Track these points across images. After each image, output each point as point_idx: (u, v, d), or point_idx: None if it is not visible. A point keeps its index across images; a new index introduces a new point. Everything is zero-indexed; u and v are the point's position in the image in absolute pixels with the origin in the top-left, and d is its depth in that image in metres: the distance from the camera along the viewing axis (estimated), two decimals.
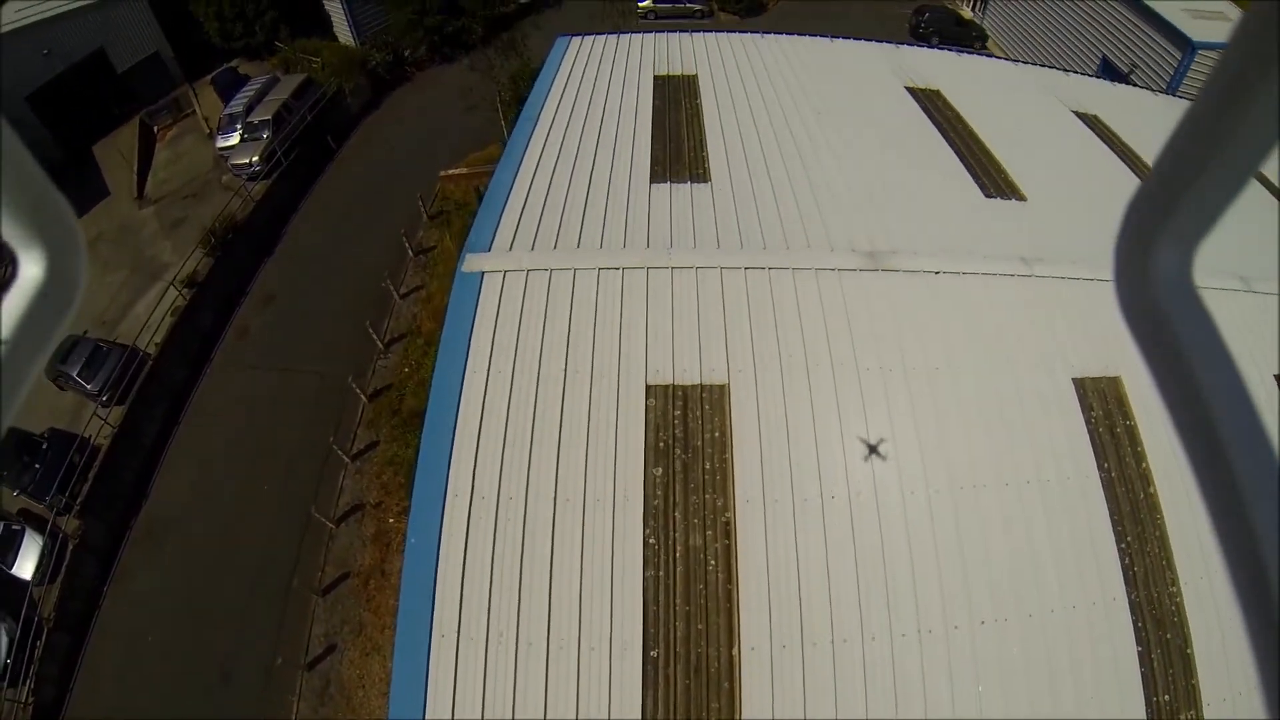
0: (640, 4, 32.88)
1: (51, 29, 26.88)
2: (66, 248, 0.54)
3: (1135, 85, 23.47)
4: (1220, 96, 0.42)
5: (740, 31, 17.87)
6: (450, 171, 23.00)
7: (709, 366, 8.42)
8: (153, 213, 25.82)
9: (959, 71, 16.59)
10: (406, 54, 30.81)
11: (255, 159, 24.15)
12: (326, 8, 32.05)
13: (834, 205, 10.75)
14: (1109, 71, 24.88)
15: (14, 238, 0.51)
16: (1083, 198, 12.09)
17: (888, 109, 14.22)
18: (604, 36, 17.55)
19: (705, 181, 11.30)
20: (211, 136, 27.46)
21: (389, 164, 25.54)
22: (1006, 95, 15.80)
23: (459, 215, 21.96)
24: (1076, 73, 20.46)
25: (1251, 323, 10.28)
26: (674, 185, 11.17)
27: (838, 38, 17.85)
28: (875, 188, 11.34)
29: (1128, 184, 13.00)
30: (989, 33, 31.60)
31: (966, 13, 33.40)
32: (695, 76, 14.88)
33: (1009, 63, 18.25)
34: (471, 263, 9.78)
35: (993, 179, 12.27)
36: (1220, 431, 0.45)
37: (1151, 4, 22.94)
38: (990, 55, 30.42)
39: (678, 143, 12.38)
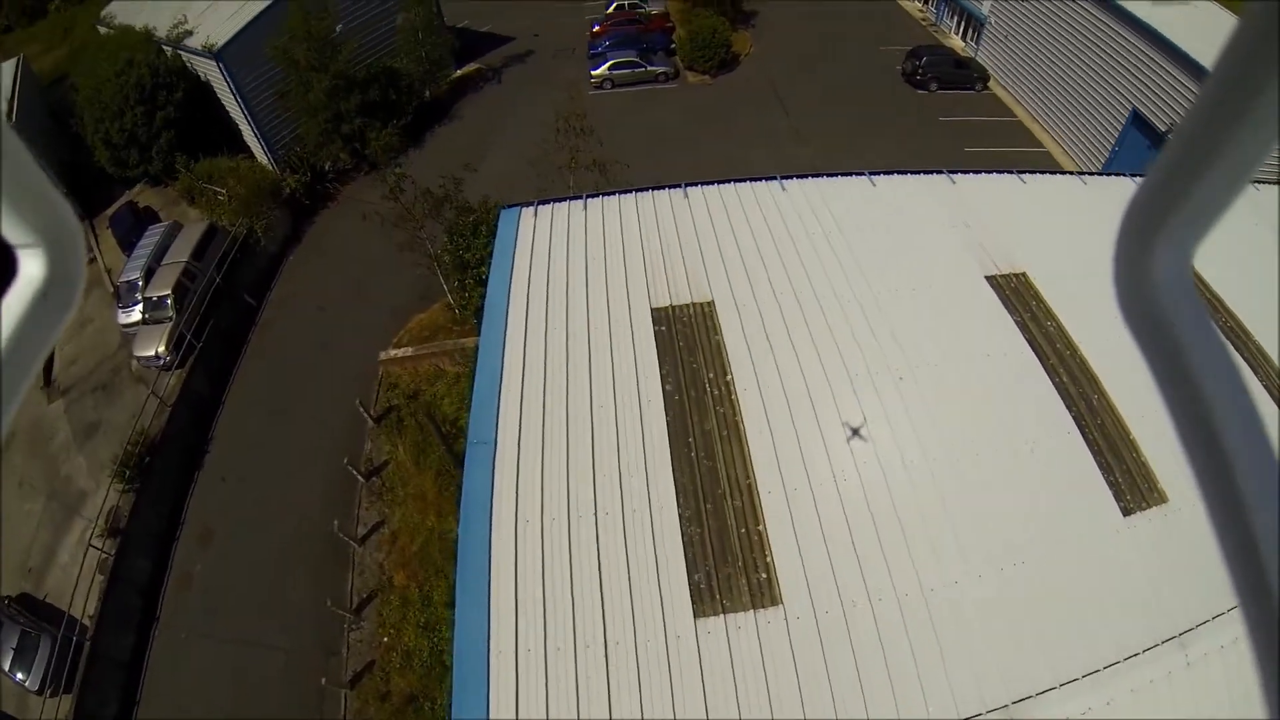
0: (594, 74, 28.60)
1: None
2: (66, 248, 0.54)
3: None
4: (1220, 96, 0.41)
5: (748, 179, 13.91)
6: (393, 354, 18.85)
7: None
8: (62, 409, 21.81)
9: (1035, 224, 12.84)
10: (326, 167, 26.37)
11: (162, 349, 19.90)
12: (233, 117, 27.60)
13: (954, 616, 7.84)
14: (1142, 128, 21.28)
15: (14, 237, 0.51)
16: None
17: (978, 338, 10.54)
18: (565, 205, 13.60)
19: (774, 604, 7.84)
20: (116, 297, 23.10)
21: (319, 330, 21.25)
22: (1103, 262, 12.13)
23: (410, 414, 17.98)
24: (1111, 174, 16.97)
25: None
26: (730, 620, 7.71)
27: (877, 173, 14.03)
28: (996, 550, 8.33)
29: None
30: (989, 69, 27.77)
31: (957, 43, 29.64)
32: (711, 305, 11.02)
33: (1078, 180, 14.53)
34: None
35: (1127, 470, 9.28)
36: (1220, 431, 0.45)
37: (1189, 52, 19.18)
38: (1002, 115, 26.80)
39: (718, 506, 8.64)
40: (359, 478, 17.25)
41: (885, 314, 10.72)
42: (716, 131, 25.78)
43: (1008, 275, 11.65)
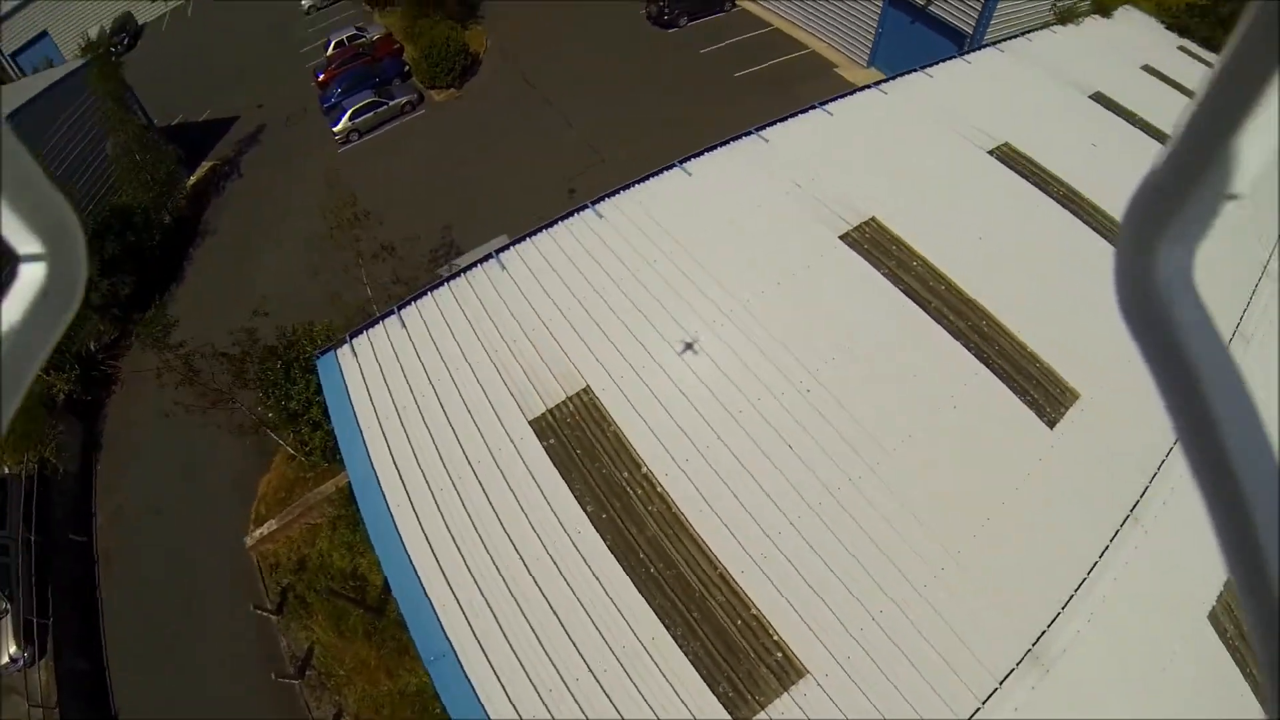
0: (335, 130, 25.85)
1: None
2: (67, 248, 0.53)
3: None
4: (1222, 95, 0.41)
5: (558, 219, 12.60)
6: (258, 534, 16.62)
7: None
8: None
9: (860, 158, 12.59)
10: (93, 348, 22.64)
11: (13, 650, 16.44)
12: None
13: (952, 599, 8.14)
14: (900, 5, 21.40)
15: (14, 237, 0.51)
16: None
17: (860, 314, 10.19)
18: (380, 328, 11.93)
19: (801, 676, 7.70)
20: None
21: (167, 537, 18.18)
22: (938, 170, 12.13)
23: (306, 588, 16.00)
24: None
25: None
26: (771, 712, 7.53)
27: (687, 159, 12.96)
28: (965, 522, 8.43)
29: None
30: None
31: None
32: (588, 391, 9.91)
33: (877, 93, 14.24)
34: None
35: (1037, 383, 9.86)
36: (1220, 430, 0.44)
37: None
38: (760, 28, 26.42)
39: (704, 609, 7.98)
40: (292, 681, 15.22)
41: (761, 324, 10.09)
42: (486, 149, 23.88)
43: (859, 227, 11.29)
